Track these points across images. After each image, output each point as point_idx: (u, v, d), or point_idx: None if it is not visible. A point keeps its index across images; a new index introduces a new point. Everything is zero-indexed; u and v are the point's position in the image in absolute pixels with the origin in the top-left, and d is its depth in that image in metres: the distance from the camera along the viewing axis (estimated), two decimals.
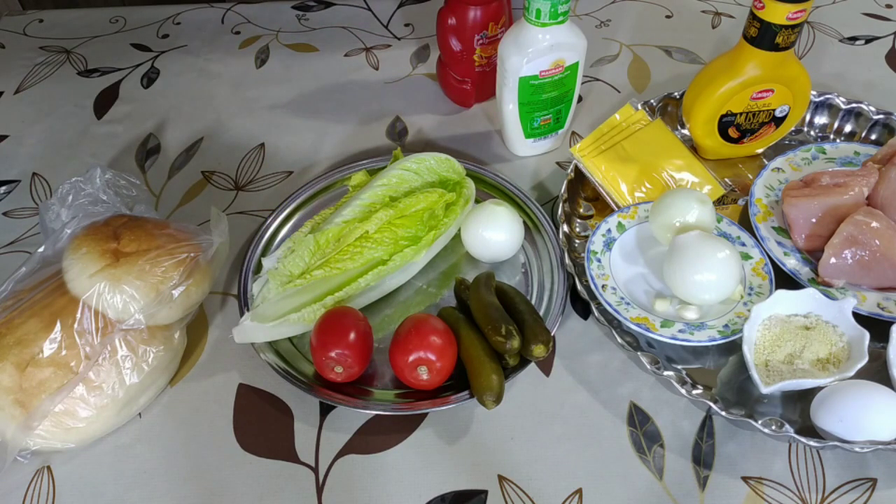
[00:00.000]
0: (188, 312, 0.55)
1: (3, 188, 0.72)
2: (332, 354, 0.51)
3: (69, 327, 0.49)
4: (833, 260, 0.55)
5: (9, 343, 0.48)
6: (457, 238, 0.62)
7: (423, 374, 0.51)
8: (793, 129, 0.72)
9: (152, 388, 0.53)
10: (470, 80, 0.75)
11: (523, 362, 0.53)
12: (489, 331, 0.52)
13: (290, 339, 0.57)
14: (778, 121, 0.65)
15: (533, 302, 0.58)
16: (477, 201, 0.64)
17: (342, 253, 0.57)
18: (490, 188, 0.67)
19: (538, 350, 0.51)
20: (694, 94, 0.64)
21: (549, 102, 0.66)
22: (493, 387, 0.49)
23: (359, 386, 0.54)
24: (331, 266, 0.56)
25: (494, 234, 0.59)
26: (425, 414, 0.53)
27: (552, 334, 0.53)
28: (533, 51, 0.61)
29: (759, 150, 0.69)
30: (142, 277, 0.50)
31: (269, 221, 0.64)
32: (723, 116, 0.63)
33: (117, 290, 0.50)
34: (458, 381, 0.53)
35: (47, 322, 0.49)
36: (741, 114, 0.63)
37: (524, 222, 0.62)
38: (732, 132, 0.65)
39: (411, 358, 0.50)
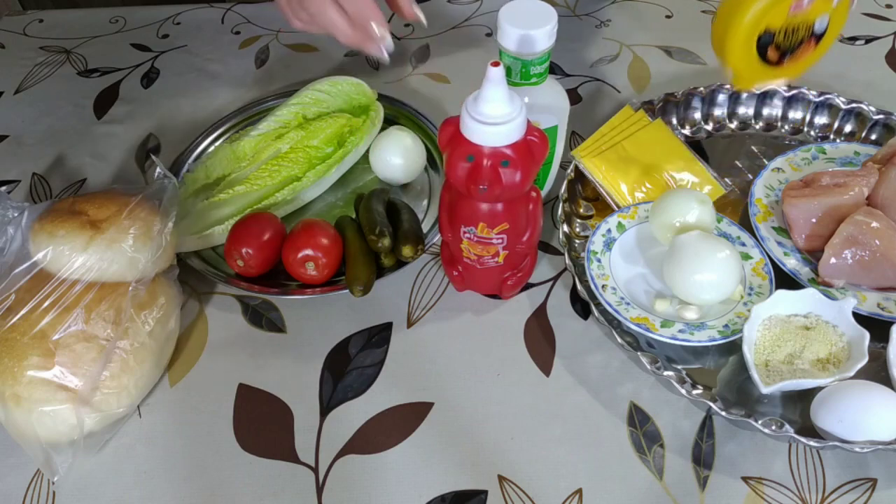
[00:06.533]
0: (174, 255, 0.58)
1: (4, 188, 0.72)
2: (243, 252, 0.58)
3: (79, 305, 0.49)
4: (833, 260, 0.55)
5: (25, 342, 0.48)
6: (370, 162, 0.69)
7: (311, 269, 0.57)
8: (792, 129, 0.72)
9: (170, 340, 0.56)
10: (461, 267, 0.59)
11: (400, 265, 0.60)
12: (367, 231, 0.59)
13: (213, 248, 0.64)
14: (818, 37, 0.60)
15: (430, 220, 0.65)
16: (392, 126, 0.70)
17: (261, 171, 0.65)
18: (403, 116, 0.75)
19: (406, 251, 0.57)
20: (727, 14, 0.59)
21: None
22: (362, 277, 0.56)
23: (275, 281, 0.61)
24: (251, 182, 0.65)
25: (396, 157, 0.66)
26: (426, 414, 0.53)
27: (425, 241, 0.60)
28: None
29: (801, 74, 0.62)
30: (131, 231, 0.52)
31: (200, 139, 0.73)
32: (761, 36, 0.58)
33: (118, 251, 0.51)
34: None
35: (54, 308, 0.49)
36: (780, 31, 0.58)
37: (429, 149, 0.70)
38: (772, 53, 0.60)
39: (300, 255, 0.57)
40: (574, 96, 0.79)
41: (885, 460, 0.49)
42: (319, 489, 0.49)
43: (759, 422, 0.48)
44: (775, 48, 0.59)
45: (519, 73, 0.54)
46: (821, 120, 0.72)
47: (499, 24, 0.52)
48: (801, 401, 0.51)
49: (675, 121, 0.73)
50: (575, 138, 0.74)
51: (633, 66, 0.83)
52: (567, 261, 0.58)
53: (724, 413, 0.49)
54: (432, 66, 0.84)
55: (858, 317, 0.52)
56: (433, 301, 0.60)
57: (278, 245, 0.59)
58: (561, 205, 0.63)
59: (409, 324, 0.59)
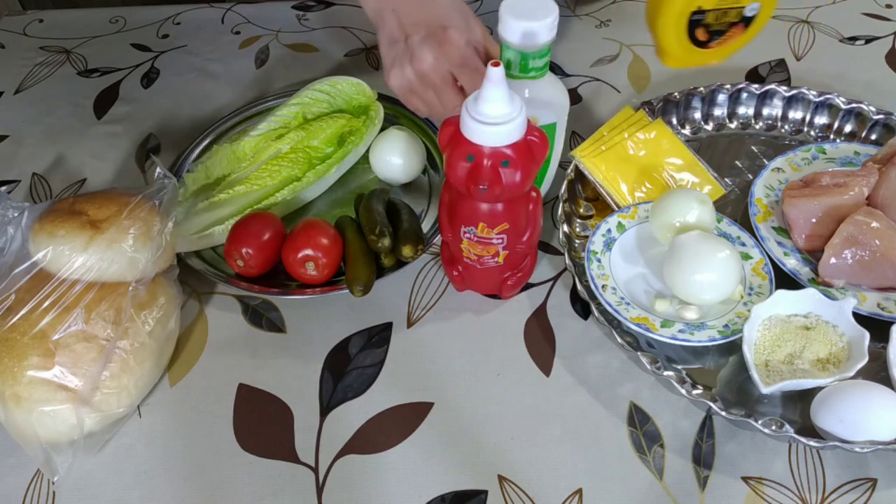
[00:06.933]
0: (174, 255, 0.58)
1: (4, 188, 0.72)
2: (243, 252, 0.58)
3: (79, 305, 0.49)
4: (833, 260, 0.55)
5: (25, 342, 0.48)
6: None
7: (311, 269, 0.57)
8: (792, 129, 0.72)
9: (170, 340, 0.56)
10: (461, 267, 0.59)
11: (400, 264, 0.60)
12: (367, 230, 0.59)
13: (213, 248, 0.64)
14: (746, 21, 0.60)
15: (430, 220, 0.65)
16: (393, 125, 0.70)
17: (262, 171, 0.65)
18: (403, 116, 0.75)
19: (406, 251, 0.57)
20: None
21: None
22: (362, 277, 0.56)
23: (275, 281, 0.61)
24: (251, 182, 0.65)
25: (396, 157, 0.66)
26: (426, 414, 0.53)
27: (425, 241, 0.60)
28: None
29: (726, 58, 0.62)
30: (131, 231, 0.52)
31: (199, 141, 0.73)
32: (693, 13, 0.58)
33: (118, 251, 0.51)
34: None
35: (54, 308, 0.49)
36: (711, 11, 0.58)
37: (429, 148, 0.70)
38: (701, 34, 0.60)
39: (300, 255, 0.57)
40: (574, 96, 0.79)
41: (885, 460, 0.49)
42: (319, 489, 0.49)
43: (759, 422, 0.48)
44: (705, 29, 0.59)
45: (518, 66, 0.54)
46: (821, 120, 0.72)
47: (500, 17, 0.52)
48: (801, 401, 0.51)
49: (675, 121, 0.73)
50: (575, 138, 0.74)
51: (633, 66, 0.83)
52: (567, 261, 0.58)
53: (724, 413, 0.49)
54: None
55: (858, 317, 0.52)
56: (433, 301, 0.60)
57: (278, 245, 0.59)
58: (561, 205, 0.63)
59: (409, 324, 0.59)
